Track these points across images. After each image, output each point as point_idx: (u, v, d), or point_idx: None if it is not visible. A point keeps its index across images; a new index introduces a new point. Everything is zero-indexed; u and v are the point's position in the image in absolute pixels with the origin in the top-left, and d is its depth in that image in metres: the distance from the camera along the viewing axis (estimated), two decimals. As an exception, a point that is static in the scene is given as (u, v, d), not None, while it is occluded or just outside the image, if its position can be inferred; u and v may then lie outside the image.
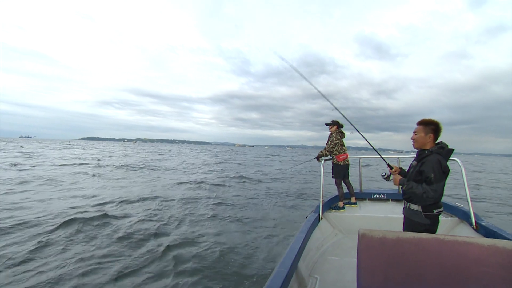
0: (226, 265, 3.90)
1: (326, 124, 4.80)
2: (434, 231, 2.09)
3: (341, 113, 3.50)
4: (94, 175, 12.48)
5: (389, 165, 2.49)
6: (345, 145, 4.65)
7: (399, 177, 2.26)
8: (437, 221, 2.12)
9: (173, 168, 18.08)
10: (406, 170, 2.40)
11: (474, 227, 3.06)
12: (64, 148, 43.51)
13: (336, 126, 4.68)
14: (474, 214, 3.14)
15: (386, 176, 2.40)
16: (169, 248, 4.33)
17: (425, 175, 1.99)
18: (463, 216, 3.41)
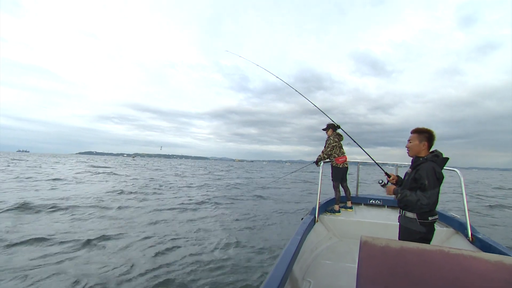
0: (220, 266, 3.84)
1: (323, 129, 4.85)
2: (429, 239, 2.10)
3: (338, 126, 3.68)
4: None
5: (386, 173, 2.56)
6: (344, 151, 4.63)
7: (392, 187, 2.30)
8: (433, 229, 2.12)
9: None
10: (402, 178, 2.43)
11: (470, 239, 3.02)
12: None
13: (331, 129, 4.71)
14: (471, 226, 3.11)
15: (383, 183, 2.45)
16: (165, 250, 4.31)
17: (420, 181, 2.02)
18: (459, 227, 3.39)
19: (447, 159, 2.11)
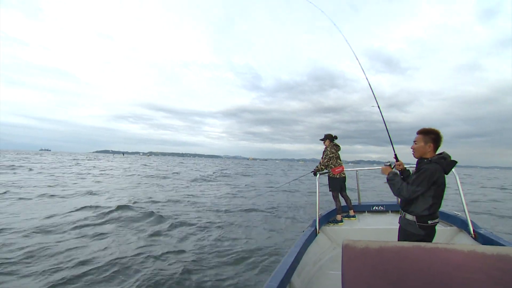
0: (216, 279, 3.74)
1: (320, 140, 4.88)
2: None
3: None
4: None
5: (396, 157, 2.55)
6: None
7: (389, 168, 2.31)
8: (433, 232, 2.08)
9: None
10: (411, 173, 2.40)
11: (473, 235, 3.07)
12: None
13: (328, 140, 4.73)
14: (472, 223, 3.15)
15: (389, 164, 2.41)
16: (158, 256, 4.37)
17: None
18: (462, 225, 3.42)
19: (455, 162, 2.02)
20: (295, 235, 5.80)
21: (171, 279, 3.69)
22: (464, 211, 3.20)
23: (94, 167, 28.97)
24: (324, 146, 4.81)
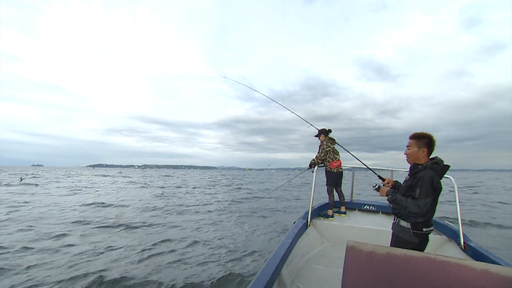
0: (207, 268, 3.89)
1: (315, 136, 4.87)
2: (422, 250, 1.97)
3: (330, 130, 3.75)
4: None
5: (380, 177, 2.51)
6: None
7: (387, 188, 2.19)
8: (426, 240, 2.01)
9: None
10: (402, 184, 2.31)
11: (462, 247, 3.01)
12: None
13: (323, 134, 4.71)
14: (463, 234, 3.08)
15: (377, 187, 2.34)
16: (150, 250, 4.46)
17: (413, 189, 1.93)
18: (452, 235, 3.36)
19: (447, 167, 1.97)
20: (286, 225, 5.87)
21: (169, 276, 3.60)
22: (458, 220, 3.15)
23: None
24: (320, 141, 4.78)
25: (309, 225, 3.61)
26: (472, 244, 2.95)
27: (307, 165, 4.49)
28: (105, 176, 43.01)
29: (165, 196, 14.15)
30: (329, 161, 4.53)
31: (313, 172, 4.13)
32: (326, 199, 4.61)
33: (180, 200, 12.78)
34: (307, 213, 3.73)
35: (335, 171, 4.55)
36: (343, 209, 4.60)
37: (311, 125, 3.50)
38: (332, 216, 4.23)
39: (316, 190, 3.89)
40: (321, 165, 4.52)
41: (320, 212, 4.27)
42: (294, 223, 3.51)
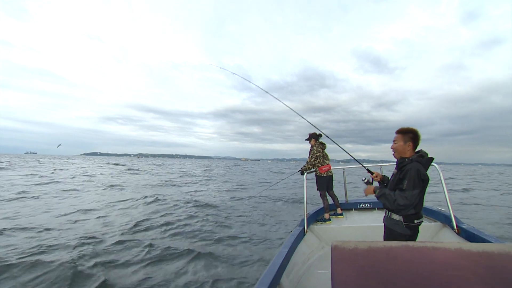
0: (203, 282, 3.66)
1: (305, 140, 4.89)
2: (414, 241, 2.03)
3: (320, 135, 3.66)
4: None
5: (369, 171, 2.54)
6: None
7: (372, 187, 2.25)
8: (417, 231, 2.09)
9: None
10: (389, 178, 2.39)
11: (456, 230, 3.11)
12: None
13: (314, 139, 4.74)
14: (455, 218, 3.18)
15: (367, 180, 2.41)
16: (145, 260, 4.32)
17: (402, 182, 2.00)
18: (445, 220, 3.45)
19: (432, 159, 2.09)
20: (284, 234, 5.80)
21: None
22: (448, 206, 3.25)
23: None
24: (310, 145, 4.80)
25: (307, 232, 3.56)
26: (465, 227, 3.06)
27: (302, 156, 4.47)
28: (73, 164, 40.65)
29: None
30: (318, 166, 4.56)
31: (304, 176, 4.08)
32: (321, 204, 4.57)
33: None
34: (302, 220, 3.66)
35: (325, 175, 4.57)
36: (339, 211, 4.58)
37: (302, 117, 3.45)
38: (329, 220, 4.21)
39: (310, 196, 3.81)
40: (312, 170, 4.55)
41: (317, 217, 4.24)
42: (291, 231, 3.45)
